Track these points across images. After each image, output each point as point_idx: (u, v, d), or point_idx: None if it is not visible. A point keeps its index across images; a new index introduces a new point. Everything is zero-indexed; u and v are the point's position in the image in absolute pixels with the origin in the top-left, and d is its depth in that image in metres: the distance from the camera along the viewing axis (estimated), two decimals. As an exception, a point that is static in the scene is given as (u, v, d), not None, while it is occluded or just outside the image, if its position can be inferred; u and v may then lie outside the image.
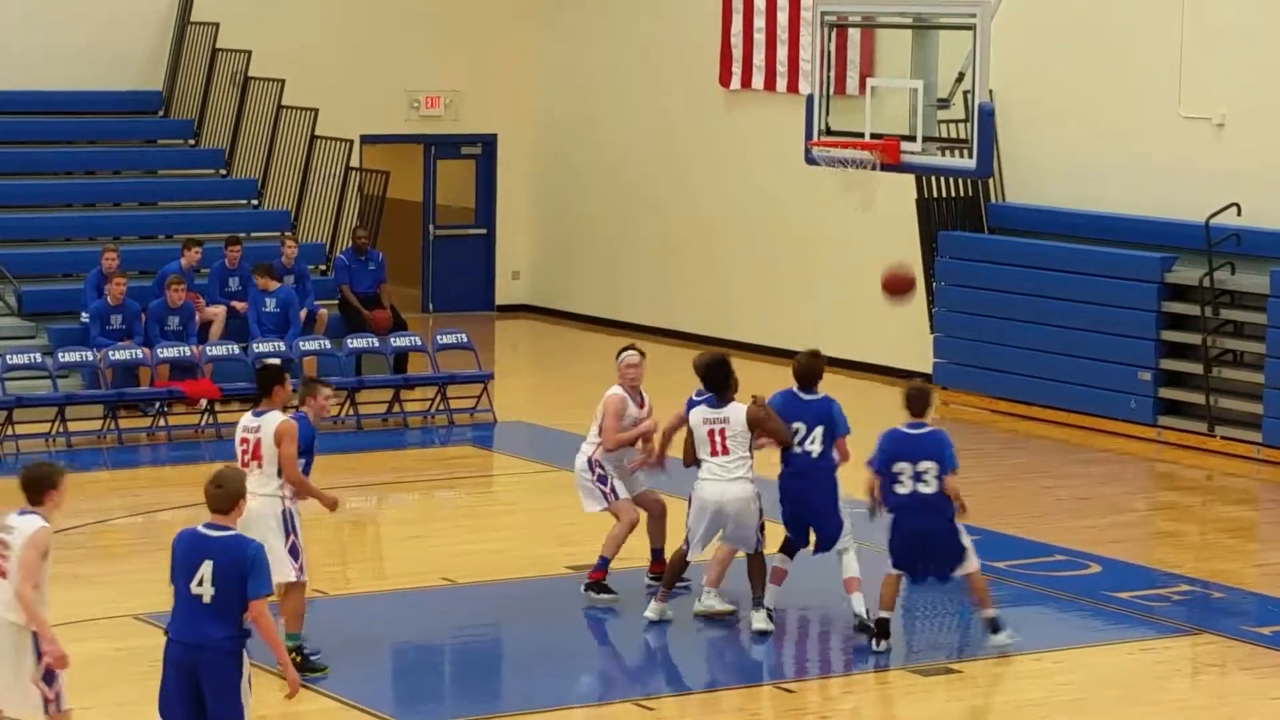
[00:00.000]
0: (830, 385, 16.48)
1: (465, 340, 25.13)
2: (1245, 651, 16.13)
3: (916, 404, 15.52)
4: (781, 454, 16.08)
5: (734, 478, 15.78)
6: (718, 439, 15.81)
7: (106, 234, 27.08)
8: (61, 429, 22.50)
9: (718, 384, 15.96)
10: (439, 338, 25.29)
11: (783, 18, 28.24)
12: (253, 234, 27.47)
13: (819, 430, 15.96)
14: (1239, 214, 23.28)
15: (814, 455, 15.95)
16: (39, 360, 23.20)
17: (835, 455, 16.05)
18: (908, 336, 26.69)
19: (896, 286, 18.60)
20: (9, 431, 22.24)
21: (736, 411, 15.82)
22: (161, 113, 29.29)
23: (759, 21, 28.65)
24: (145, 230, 27.65)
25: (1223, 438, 23.28)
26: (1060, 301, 24.54)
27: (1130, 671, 15.69)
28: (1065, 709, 14.43)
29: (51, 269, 25.97)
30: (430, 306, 31.75)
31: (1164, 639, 16.51)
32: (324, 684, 14.76)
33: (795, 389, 16.17)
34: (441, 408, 24.14)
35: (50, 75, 28.33)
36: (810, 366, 16.23)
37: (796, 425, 15.96)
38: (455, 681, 15.92)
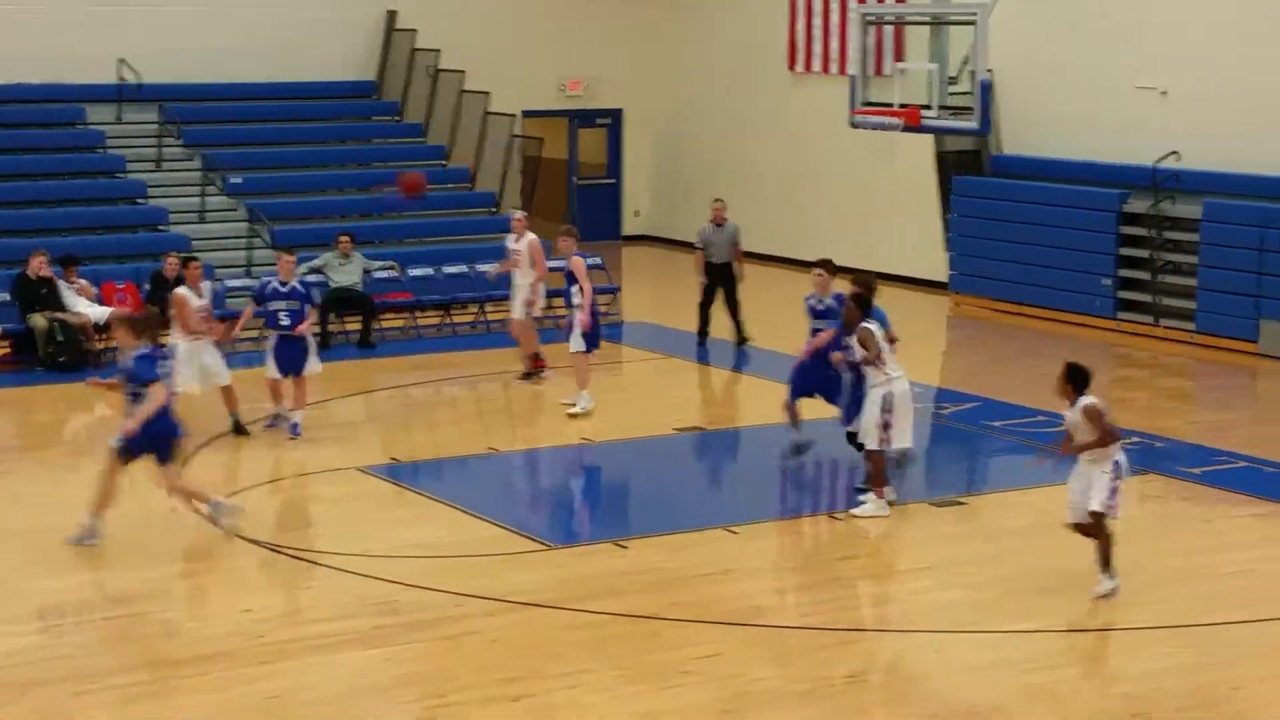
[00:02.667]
0: (880, 291, 16.21)
1: (600, 262, 25.05)
2: (1181, 487, 16.01)
3: None
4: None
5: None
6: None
7: (334, 186, 27.22)
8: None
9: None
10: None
11: (834, 17, 28.00)
12: (444, 185, 27.57)
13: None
14: (1178, 159, 22.99)
15: None
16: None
17: None
18: (931, 255, 26.54)
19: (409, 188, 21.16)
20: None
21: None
22: (375, 96, 29.31)
23: (816, 20, 28.44)
24: (364, 183, 27.67)
25: (1165, 327, 23.05)
26: (1044, 227, 24.34)
27: (1094, 502, 15.57)
28: (1040, 531, 14.35)
29: (296, 214, 26.04)
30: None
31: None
32: (494, 514, 14.87)
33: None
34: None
35: (298, 69, 28.51)
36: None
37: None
38: (593, 514, 15.99)
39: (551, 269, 20.30)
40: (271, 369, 17.71)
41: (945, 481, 16.47)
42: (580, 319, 18.23)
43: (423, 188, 22.34)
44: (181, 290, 17.51)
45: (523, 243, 20.08)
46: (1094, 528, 12.77)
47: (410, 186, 22.00)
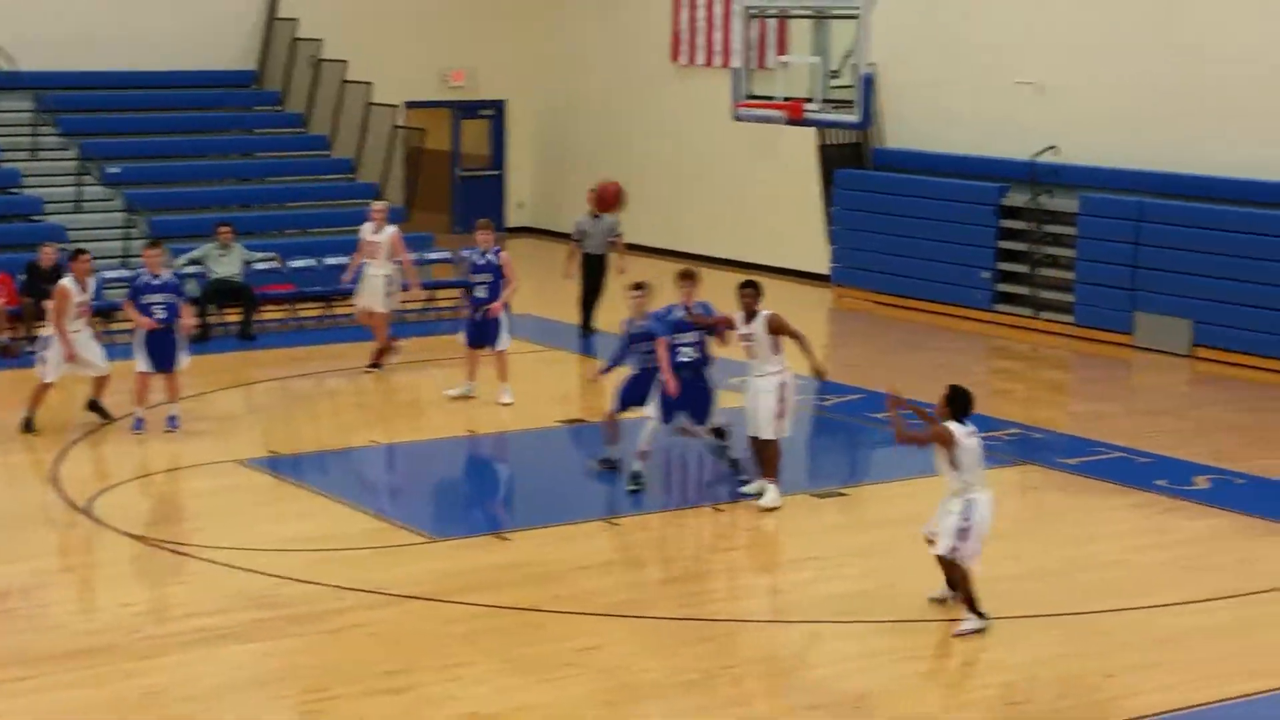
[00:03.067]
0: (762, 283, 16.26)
1: (483, 253, 25.00)
2: (1059, 478, 16.21)
3: None
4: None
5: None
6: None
7: (213, 176, 26.96)
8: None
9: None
10: (463, 252, 25.15)
11: (717, 9, 28.08)
12: (325, 176, 27.41)
13: None
14: (1056, 154, 23.26)
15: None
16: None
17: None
18: (814, 248, 26.68)
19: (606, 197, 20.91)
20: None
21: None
22: (255, 86, 29.04)
23: (700, 13, 28.50)
24: (244, 174, 27.49)
25: (1044, 319, 23.31)
26: (924, 220, 24.53)
27: (973, 493, 15.72)
28: (921, 522, 14.41)
29: (174, 204, 25.74)
30: (457, 228, 31.58)
31: (999, 469, 16.45)
32: (375, 507, 14.80)
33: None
34: (466, 303, 24.02)
35: (177, 59, 28.10)
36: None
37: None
38: (475, 506, 15.95)
39: (479, 267, 19.45)
40: (141, 363, 17.48)
41: (827, 473, 16.58)
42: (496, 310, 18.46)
43: (618, 197, 22.23)
44: (65, 282, 17.25)
45: (383, 234, 20.16)
46: (945, 566, 12.16)
47: (606, 197, 21.90)
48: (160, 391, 17.58)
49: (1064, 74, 23.46)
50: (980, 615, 11.94)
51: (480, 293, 18.68)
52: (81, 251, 17.73)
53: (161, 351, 17.42)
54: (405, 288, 20.78)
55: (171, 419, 17.34)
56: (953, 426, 11.93)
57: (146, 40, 27.88)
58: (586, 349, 21.96)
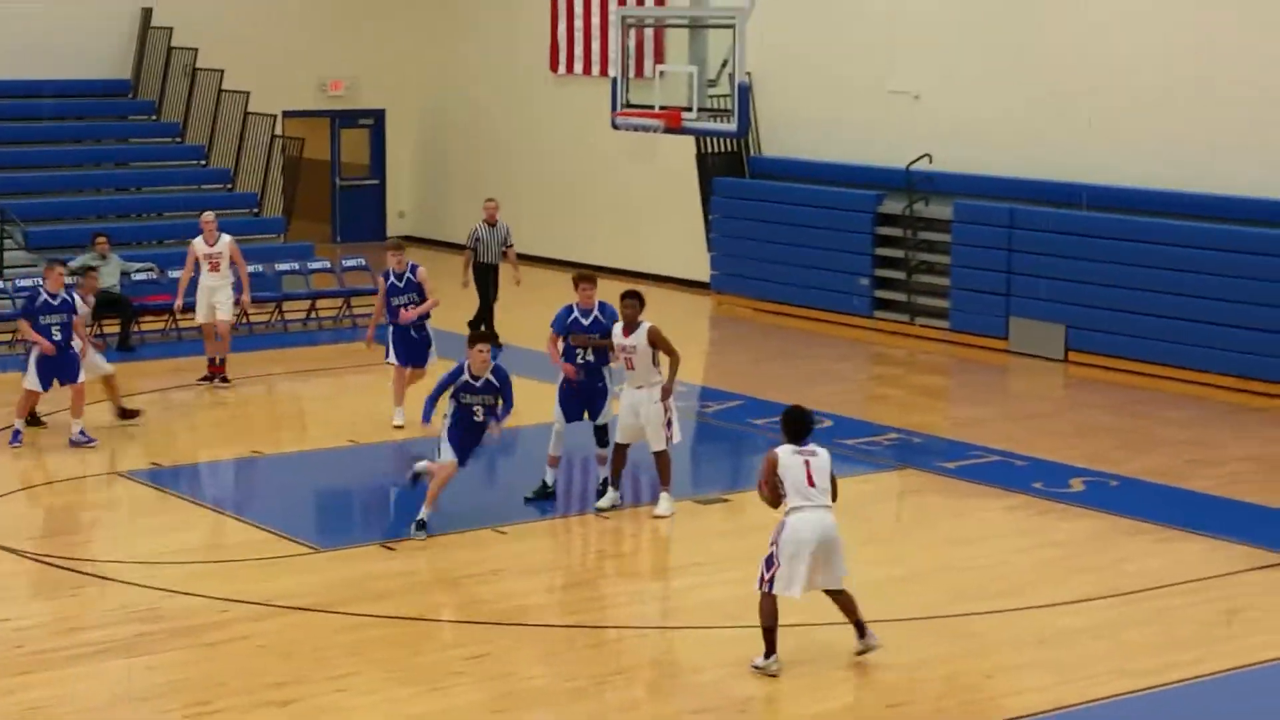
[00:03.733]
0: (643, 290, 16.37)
1: (364, 263, 24.98)
2: (938, 481, 16.40)
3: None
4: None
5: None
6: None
7: (90, 186, 26.71)
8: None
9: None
10: (344, 262, 25.14)
11: (595, 19, 28.16)
12: (203, 186, 27.24)
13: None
14: (930, 162, 23.54)
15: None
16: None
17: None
18: (694, 255, 26.82)
19: None
20: (20, 337, 21.90)
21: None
22: (131, 95, 28.77)
23: (578, 22, 28.56)
24: (121, 184, 27.27)
25: (920, 325, 23.58)
26: (802, 228, 24.72)
27: (856, 496, 15.79)
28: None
29: (49, 214, 25.48)
30: (338, 239, 31.48)
31: (879, 473, 16.75)
32: (259, 519, 14.73)
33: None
34: (347, 313, 24.00)
35: (50, 67, 27.76)
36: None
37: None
38: (359, 516, 15.90)
39: (399, 289, 18.42)
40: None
41: (710, 479, 16.68)
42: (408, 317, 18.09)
43: None
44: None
45: (220, 244, 20.08)
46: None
47: None
48: (53, 404, 17.38)
49: (937, 83, 23.76)
50: (768, 654, 11.38)
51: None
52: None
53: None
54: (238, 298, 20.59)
55: (82, 433, 17.08)
56: (778, 449, 11.45)
57: (18, 49, 27.54)
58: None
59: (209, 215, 20.49)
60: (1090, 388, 20.60)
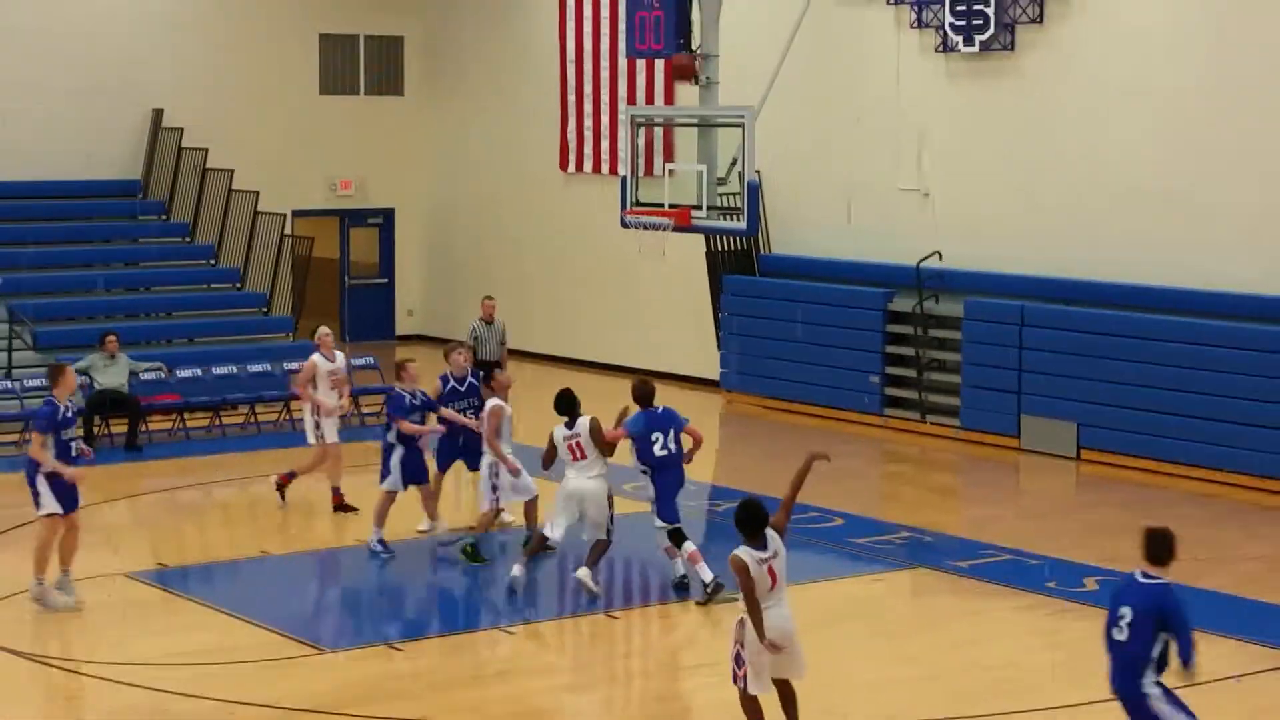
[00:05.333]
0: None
1: (373, 361, 25.04)
2: (949, 580, 16.33)
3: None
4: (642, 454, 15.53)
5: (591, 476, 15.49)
6: (575, 448, 15.44)
7: (100, 287, 26.85)
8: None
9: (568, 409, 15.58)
10: (353, 360, 25.16)
11: (605, 119, 28.35)
12: (212, 285, 27.38)
13: (672, 431, 15.60)
14: (940, 259, 23.60)
15: (674, 451, 15.62)
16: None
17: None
18: (703, 353, 26.86)
19: None
20: (26, 437, 21.95)
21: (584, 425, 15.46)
22: (141, 195, 28.95)
23: (587, 121, 28.75)
24: (130, 283, 27.42)
25: (931, 423, 23.55)
26: (812, 326, 24.73)
27: (866, 596, 15.86)
28: (818, 624, 14.49)
29: (59, 314, 25.57)
30: (346, 338, 31.54)
31: (890, 572, 16.69)
32: (265, 619, 14.69)
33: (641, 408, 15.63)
34: (355, 412, 24.00)
35: (61, 167, 28.01)
36: (643, 389, 15.66)
37: (656, 434, 15.45)
38: (367, 617, 15.85)
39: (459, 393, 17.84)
40: (51, 505, 15.06)
41: (720, 578, 16.59)
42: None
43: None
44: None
45: (340, 361, 18.91)
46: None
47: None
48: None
49: (947, 180, 23.86)
50: None
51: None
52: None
53: (71, 492, 15.21)
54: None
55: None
56: (744, 556, 11.16)
57: (29, 150, 27.74)
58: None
59: (325, 330, 19.17)
60: (1103, 486, 20.55)
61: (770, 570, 11.15)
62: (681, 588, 15.57)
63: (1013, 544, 17.49)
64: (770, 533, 11.22)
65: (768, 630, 11.02)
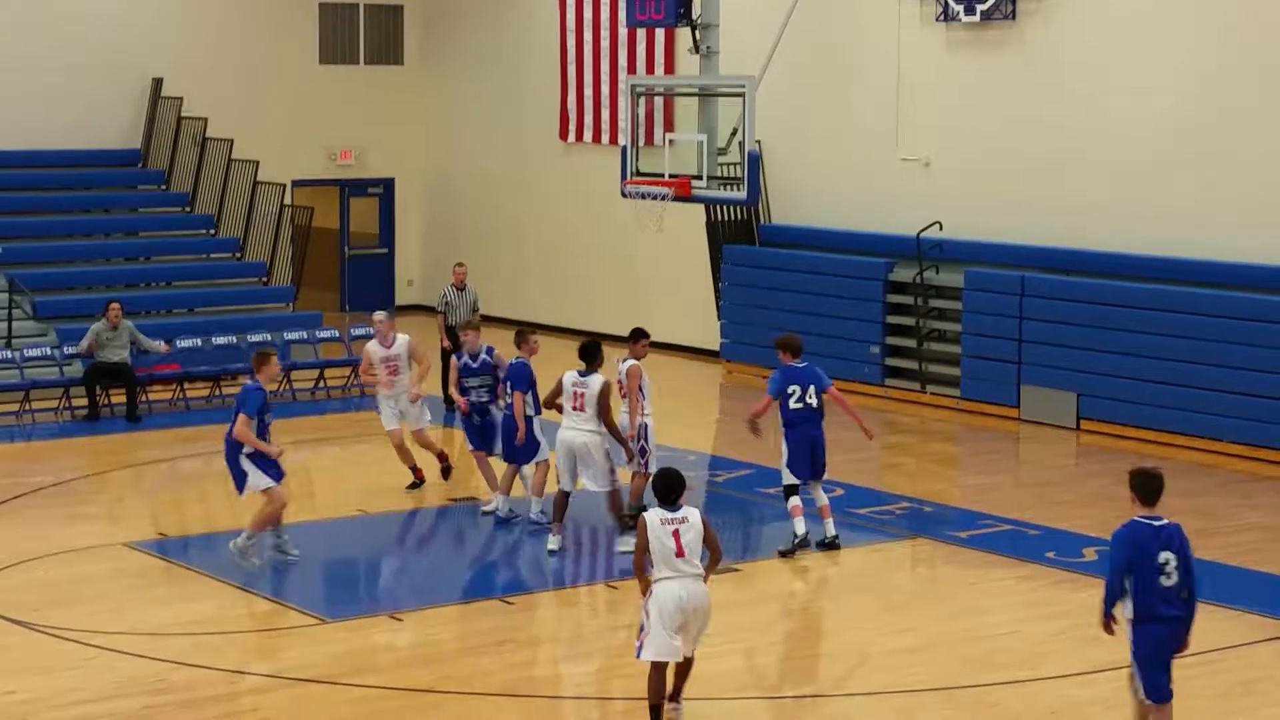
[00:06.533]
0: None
1: (372, 332, 24.94)
2: (949, 550, 16.36)
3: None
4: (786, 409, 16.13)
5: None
6: (578, 398, 15.87)
7: (100, 256, 26.87)
8: (67, 404, 22.30)
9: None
10: (352, 330, 25.20)
11: (605, 89, 28.29)
12: (211, 255, 27.38)
13: (811, 388, 16.20)
14: (940, 229, 23.59)
15: (814, 406, 16.25)
16: (49, 353, 22.94)
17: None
18: (704, 323, 26.85)
19: None
20: (27, 406, 22.03)
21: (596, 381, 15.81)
22: (140, 165, 28.92)
23: (587, 91, 28.69)
24: (130, 253, 27.42)
25: (932, 393, 23.57)
26: (813, 295, 24.73)
27: (867, 566, 15.87)
28: (816, 595, 14.57)
29: (59, 284, 25.57)
30: (346, 307, 31.56)
31: (891, 542, 16.71)
32: (267, 590, 14.72)
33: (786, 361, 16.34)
34: (355, 382, 24.00)
35: (60, 137, 28.03)
36: (791, 341, 16.54)
37: (793, 388, 16.11)
38: (368, 587, 15.87)
39: (472, 369, 17.56)
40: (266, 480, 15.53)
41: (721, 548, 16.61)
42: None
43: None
44: None
45: (398, 346, 18.22)
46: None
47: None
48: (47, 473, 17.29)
49: (947, 150, 23.83)
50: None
51: (478, 396, 17.20)
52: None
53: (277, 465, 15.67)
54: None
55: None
56: (648, 515, 11.25)
57: (28, 119, 27.73)
58: (450, 420, 21.83)
59: (381, 315, 18.39)
60: (1102, 456, 20.56)
61: (676, 535, 11.12)
62: (830, 545, 15.91)
63: (1012, 514, 17.51)
64: (687, 506, 11.26)
65: (659, 601, 11.04)
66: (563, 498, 15.97)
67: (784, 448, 16.11)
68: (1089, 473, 20.01)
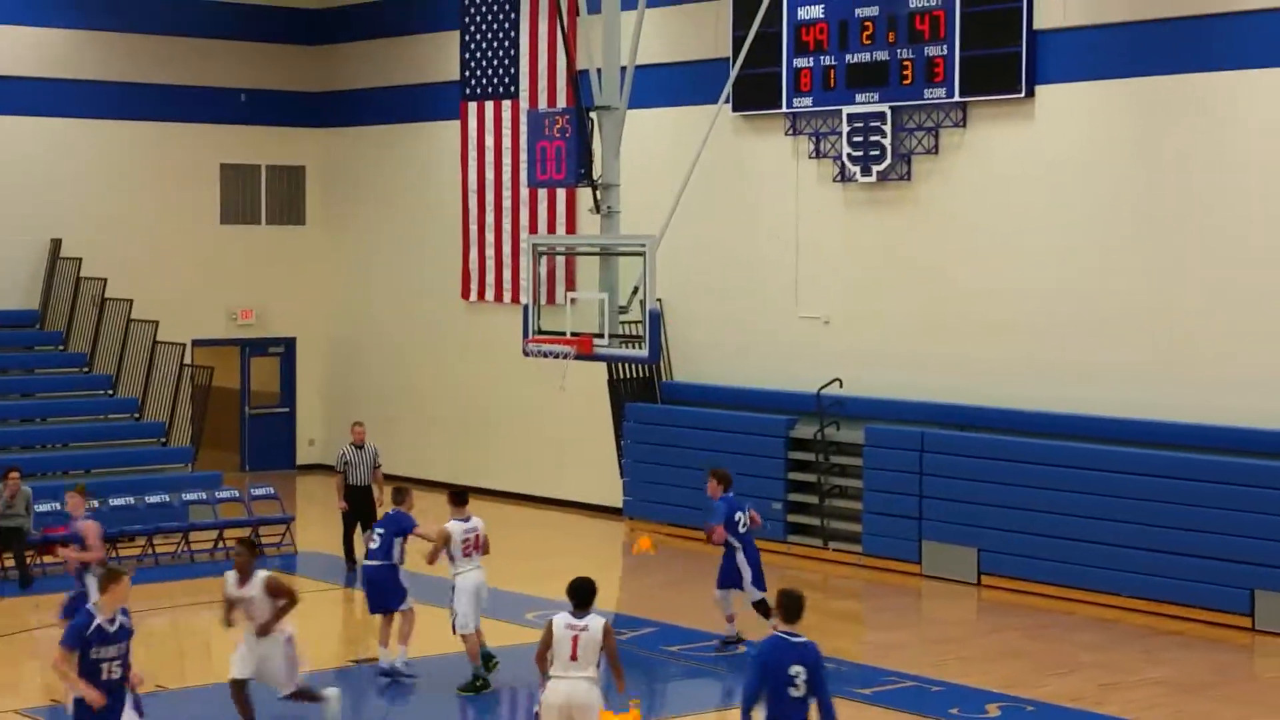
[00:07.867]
0: (546, 519, 16.50)
1: (273, 492, 24.82)
2: (853, 709, 16.22)
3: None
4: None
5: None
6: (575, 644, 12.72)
7: (-5, 418, 26.62)
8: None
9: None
10: (252, 490, 24.95)
11: (506, 248, 28.42)
12: (110, 416, 27.11)
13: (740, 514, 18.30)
14: (840, 386, 23.73)
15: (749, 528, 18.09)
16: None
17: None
18: (606, 480, 26.79)
19: None
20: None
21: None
22: (38, 325, 28.69)
23: (489, 250, 28.82)
24: (26, 414, 27.09)
25: (834, 549, 23.58)
26: (715, 453, 24.67)
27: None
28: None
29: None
30: (246, 467, 31.28)
31: (794, 700, 16.56)
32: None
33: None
34: (256, 542, 23.69)
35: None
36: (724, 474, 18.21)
37: (738, 515, 18.28)
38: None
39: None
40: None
41: (622, 708, 16.46)
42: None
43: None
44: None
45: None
46: None
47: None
48: None
49: (846, 308, 24.05)
50: None
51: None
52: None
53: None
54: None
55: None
56: (555, 618, 12.49)
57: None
58: (352, 581, 21.68)
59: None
60: (1003, 611, 20.59)
61: (575, 641, 12.21)
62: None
63: (916, 670, 17.47)
64: (594, 615, 12.36)
65: (547, 696, 12.17)
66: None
67: (744, 570, 17.35)
68: (990, 628, 20.03)
